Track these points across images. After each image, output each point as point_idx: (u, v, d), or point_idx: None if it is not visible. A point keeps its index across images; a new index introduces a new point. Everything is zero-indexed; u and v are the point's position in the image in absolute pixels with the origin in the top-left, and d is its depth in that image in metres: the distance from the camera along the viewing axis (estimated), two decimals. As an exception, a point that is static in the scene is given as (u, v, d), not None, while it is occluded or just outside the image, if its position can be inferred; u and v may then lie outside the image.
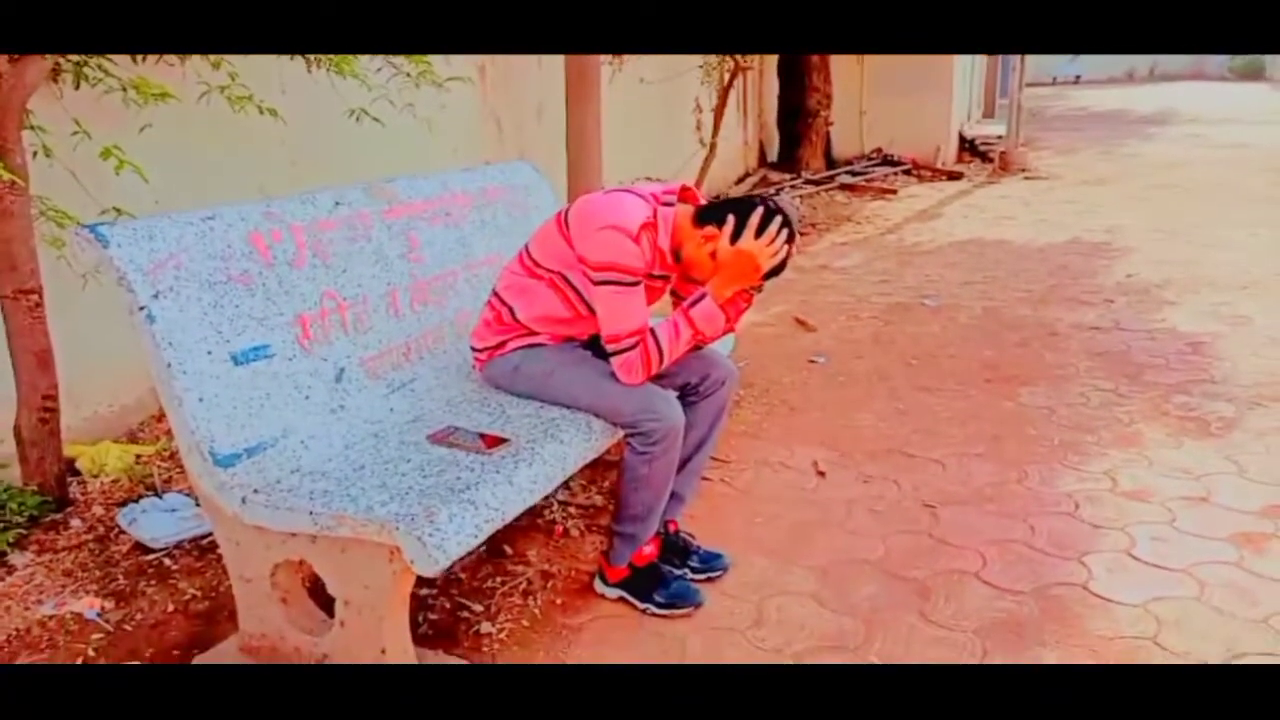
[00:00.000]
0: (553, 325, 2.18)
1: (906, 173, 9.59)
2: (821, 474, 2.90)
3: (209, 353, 1.71)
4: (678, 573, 2.27)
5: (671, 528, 2.35)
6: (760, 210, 2.00)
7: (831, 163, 9.86)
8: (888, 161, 9.81)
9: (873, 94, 10.05)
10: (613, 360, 2.03)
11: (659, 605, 2.15)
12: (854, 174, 9.34)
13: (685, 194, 2.14)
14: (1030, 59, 10.31)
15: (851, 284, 5.40)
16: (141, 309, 1.63)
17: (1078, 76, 26.00)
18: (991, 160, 10.08)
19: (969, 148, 10.95)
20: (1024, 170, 9.62)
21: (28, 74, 2.45)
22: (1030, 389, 3.55)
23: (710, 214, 2.05)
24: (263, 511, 1.63)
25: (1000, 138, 10.52)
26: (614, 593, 2.22)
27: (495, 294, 2.21)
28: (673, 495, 2.25)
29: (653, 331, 2.03)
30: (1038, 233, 6.58)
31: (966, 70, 11.74)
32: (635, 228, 1.97)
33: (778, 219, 2.00)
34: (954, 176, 9.54)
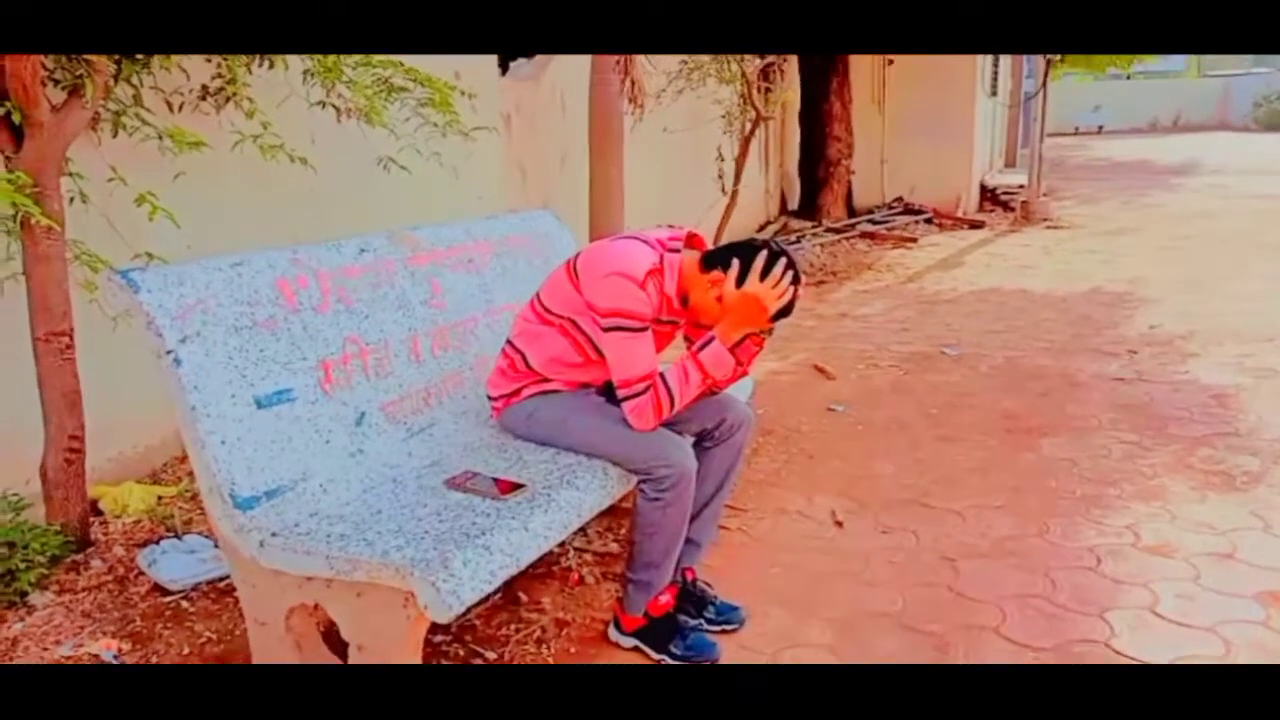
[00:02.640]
0: (565, 370, 2.20)
1: (928, 221, 9.62)
2: (839, 524, 2.88)
3: (233, 396, 1.74)
4: (693, 623, 2.25)
5: (689, 576, 2.34)
6: (764, 254, 2.03)
7: (853, 211, 9.92)
8: (909, 210, 9.85)
9: (894, 143, 10.13)
10: (624, 406, 2.04)
11: (675, 657, 2.14)
12: (875, 222, 9.38)
13: (692, 240, 2.17)
14: (1052, 109, 10.36)
15: (872, 332, 5.40)
16: (169, 353, 1.67)
17: (1100, 127, 26.05)
18: (1013, 209, 10.09)
19: (991, 197, 10.97)
20: (1046, 220, 9.62)
21: (69, 123, 2.53)
22: (1052, 440, 3.52)
23: (715, 259, 2.08)
24: (280, 555, 1.65)
25: (1022, 187, 10.54)
26: (629, 642, 2.20)
27: (509, 342, 2.24)
28: (689, 542, 2.24)
29: (663, 376, 2.04)
30: (1059, 282, 6.57)
31: (988, 119, 11.81)
32: (641, 274, 1.99)
33: (782, 261, 2.02)
34: (975, 225, 9.56)
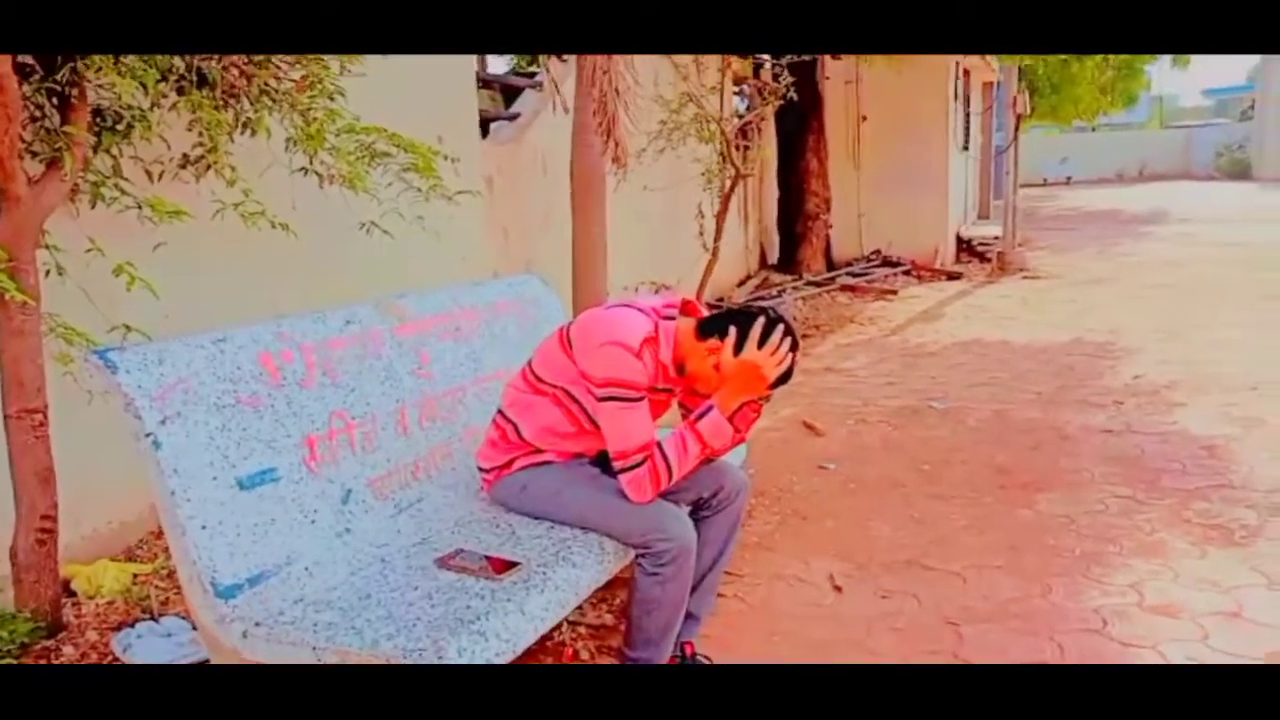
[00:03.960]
0: (558, 441, 2.15)
1: (906, 273, 9.70)
2: (838, 589, 2.81)
3: (214, 478, 1.68)
4: None
5: (687, 650, 2.27)
6: (762, 321, 2.00)
7: (832, 264, 10.00)
8: (888, 262, 9.94)
9: (870, 197, 10.27)
10: (621, 478, 1.99)
11: None
12: (855, 275, 9.45)
13: (686, 307, 2.15)
14: (1022, 161, 10.56)
15: (858, 386, 5.38)
16: (148, 435, 1.60)
17: (1069, 178, 26.62)
18: (989, 260, 10.21)
19: (967, 248, 11.12)
20: (1022, 270, 9.73)
21: (46, 195, 2.49)
22: (1046, 495, 3.48)
23: (712, 326, 2.05)
24: (264, 646, 1.57)
25: (997, 238, 10.69)
26: None
27: (500, 412, 2.19)
28: (688, 615, 2.17)
29: (660, 447, 2.00)
30: (1040, 333, 6.60)
31: (961, 172, 12.02)
32: (637, 343, 1.96)
33: (780, 328, 1.99)
34: (953, 277, 9.65)
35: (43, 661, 2.41)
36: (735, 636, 2.54)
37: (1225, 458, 3.79)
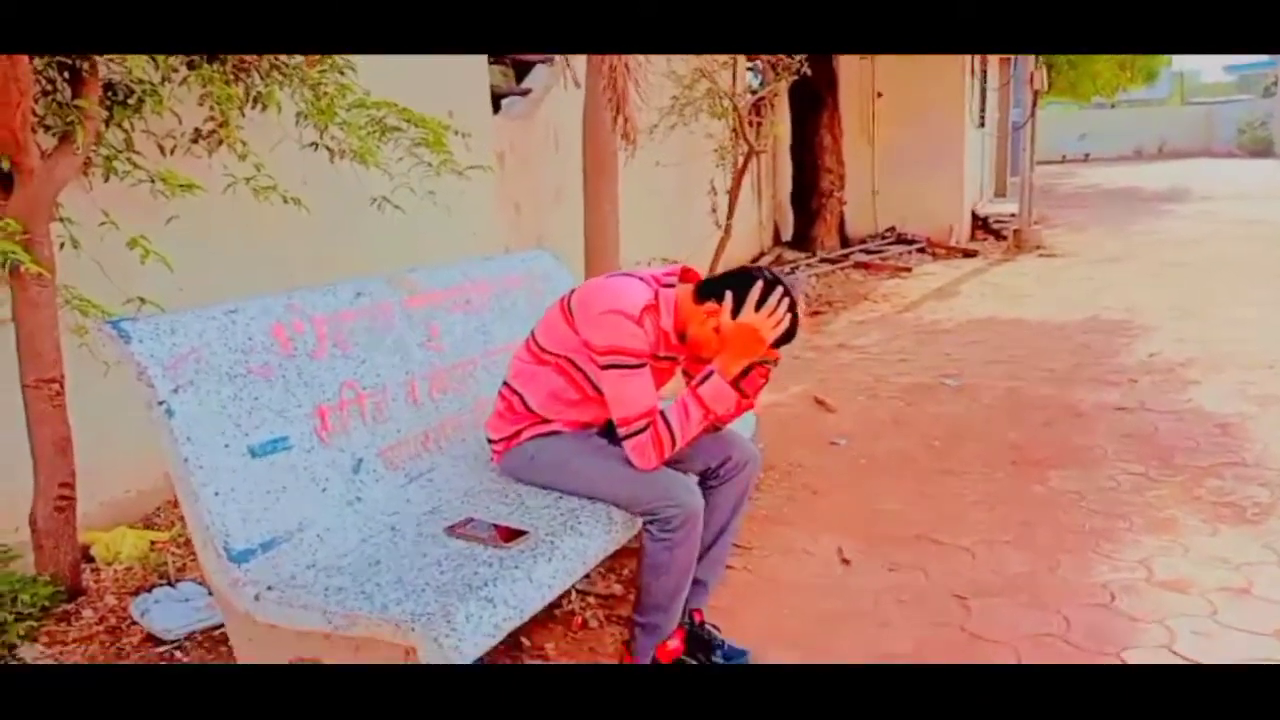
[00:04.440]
0: (563, 409, 2.16)
1: (921, 251, 9.64)
2: (847, 562, 2.83)
3: (226, 446, 1.70)
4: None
5: (696, 618, 2.28)
6: (760, 283, 2.01)
7: (846, 241, 9.95)
8: (902, 240, 9.88)
9: (885, 174, 10.18)
10: (625, 444, 2.01)
11: None
12: (869, 252, 9.40)
13: (686, 275, 2.16)
14: (1039, 138, 10.44)
15: (870, 363, 5.37)
16: (160, 404, 1.62)
17: (1087, 154, 26.31)
18: (1005, 238, 10.13)
19: (983, 226, 11.02)
20: (1038, 248, 9.65)
21: (59, 169, 2.51)
22: (1058, 472, 3.47)
23: (710, 290, 2.06)
24: (275, 609, 1.59)
25: (1013, 215, 10.59)
26: None
27: (506, 383, 2.20)
28: (696, 583, 2.19)
29: (663, 414, 2.01)
30: (1056, 310, 6.56)
31: (977, 149, 11.90)
32: (637, 311, 1.98)
33: (777, 290, 2.00)
34: (969, 254, 9.58)
35: (63, 625, 2.46)
36: (743, 607, 2.56)
37: (1239, 435, 3.77)
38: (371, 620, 1.51)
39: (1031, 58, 10.22)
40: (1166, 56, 18.45)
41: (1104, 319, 6.20)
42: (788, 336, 2.05)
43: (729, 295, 2.00)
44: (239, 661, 1.85)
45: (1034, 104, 10.22)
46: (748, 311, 1.98)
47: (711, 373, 2.02)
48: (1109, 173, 20.84)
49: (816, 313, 6.98)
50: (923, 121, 10.02)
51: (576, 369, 2.11)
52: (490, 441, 2.23)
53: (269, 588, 1.62)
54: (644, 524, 2.01)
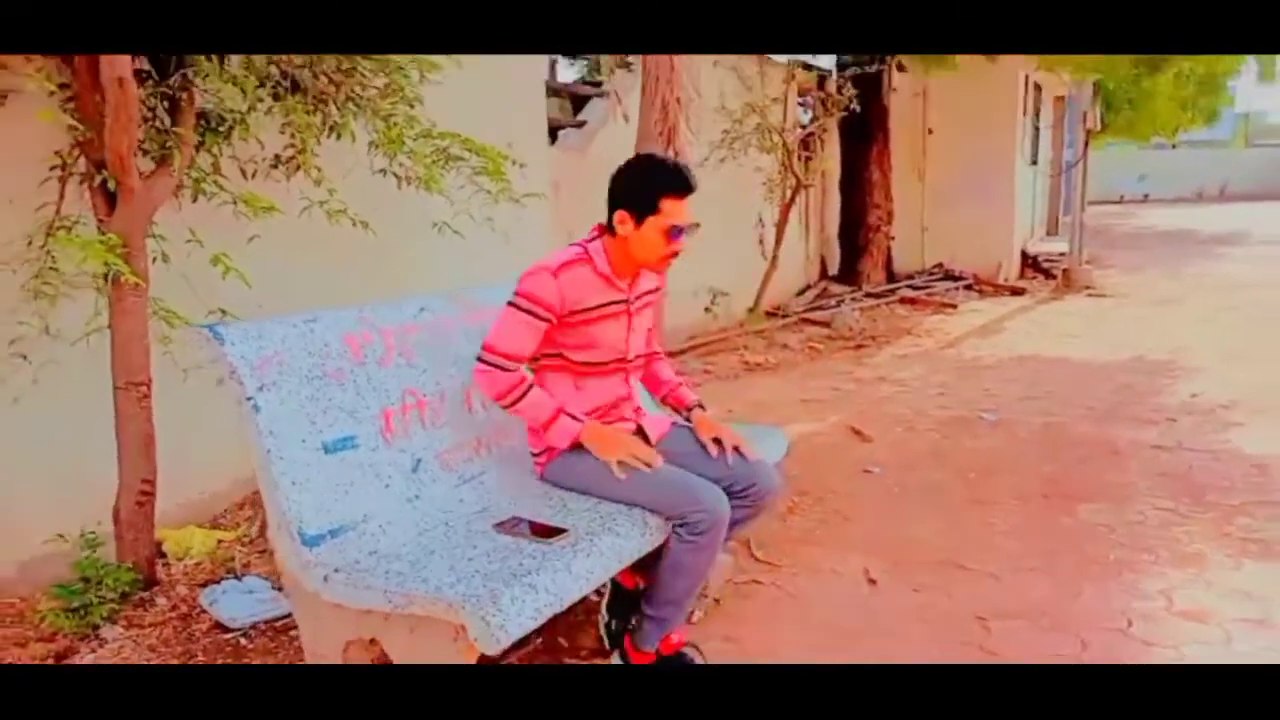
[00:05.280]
0: (580, 399, 2.33)
1: (968, 288, 9.67)
2: (873, 582, 2.93)
3: (303, 441, 1.89)
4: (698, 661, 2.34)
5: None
6: (623, 169, 2.29)
7: (892, 276, 10.02)
8: (949, 276, 9.91)
9: (934, 210, 10.25)
10: (478, 366, 2.20)
11: None
12: (915, 288, 9.46)
13: (600, 228, 2.35)
14: (1097, 178, 10.42)
15: (909, 396, 5.45)
16: (248, 400, 1.82)
17: (1146, 195, 25.93)
18: (1055, 277, 10.10)
19: (1032, 264, 11.00)
20: (1088, 288, 9.62)
21: (156, 190, 2.76)
22: (1089, 506, 3.54)
23: (609, 204, 2.28)
24: (342, 589, 1.77)
25: (1064, 255, 10.57)
26: None
27: None
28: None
29: (531, 385, 2.22)
30: (1100, 350, 6.57)
31: (1028, 187, 11.90)
32: (555, 265, 2.20)
33: (640, 163, 2.30)
34: (1016, 292, 9.59)
35: (140, 610, 2.67)
36: (770, 621, 2.68)
37: (1276, 476, 3.79)
38: (427, 600, 1.68)
39: (1085, 94, 10.25)
40: (1228, 96, 18.15)
41: (1148, 359, 6.20)
42: (679, 181, 2.24)
43: (618, 198, 2.25)
44: (304, 642, 2.03)
45: (1086, 142, 10.23)
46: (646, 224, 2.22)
47: (572, 421, 2.23)
48: (1167, 214, 20.53)
49: (859, 346, 7.07)
50: (973, 158, 10.08)
51: (559, 356, 2.31)
52: (533, 454, 2.39)
53: (336, 570, 1.80)
54: (673, 527, 2.15)
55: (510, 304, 2.20)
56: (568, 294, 2.21)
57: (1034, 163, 12.31)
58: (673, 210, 2.22)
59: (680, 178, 2.24)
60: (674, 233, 2.23)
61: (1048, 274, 10.51)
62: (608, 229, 2.30)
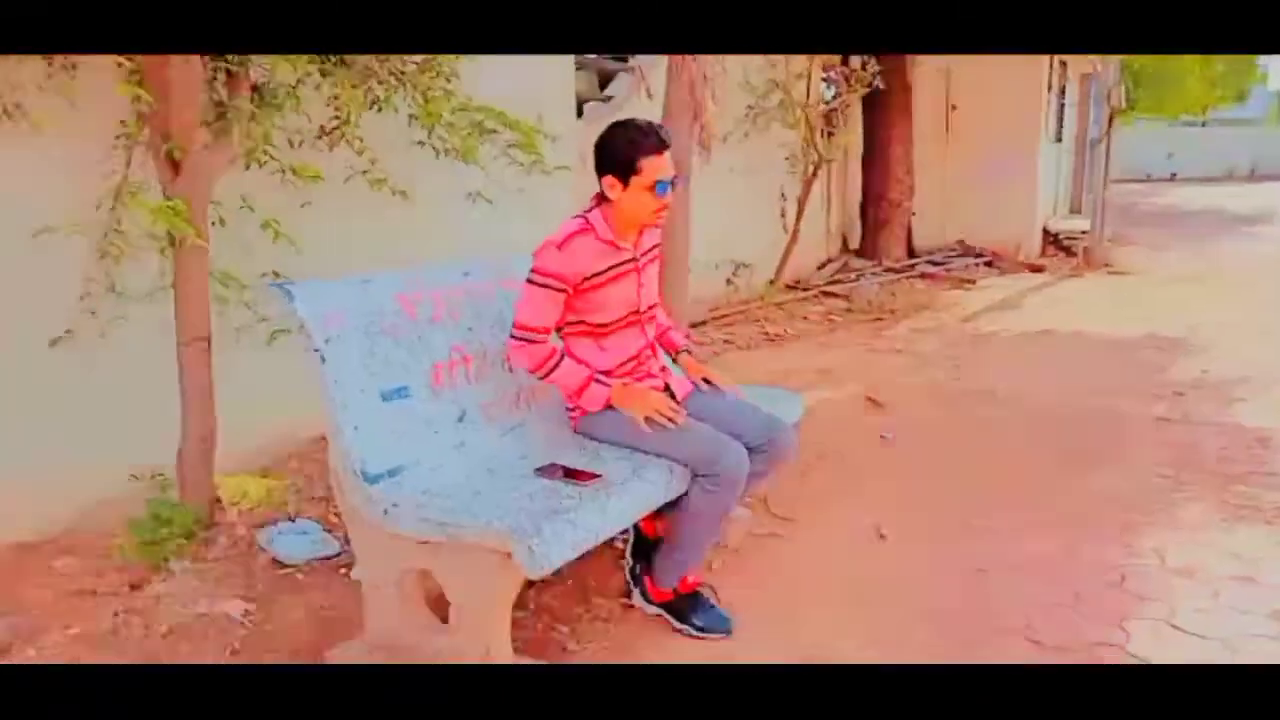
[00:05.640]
0: (605, 357, 2.51)
1: (988, 264, 9.76)
2: (883, 537, 3.11)
3: (363, 390, 2.08)
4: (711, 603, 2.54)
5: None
6: (605, 136, 2.44)
7: (913, 252, 10.11)
8: (969, 253, 10.00)
9: (956, 186, 10.31)
10: (511, 343, 2.39)
11: (695, 628, 2.45)
12: (935, 263, 9.55)
13: (597, 197, 2.52)
14: (1124, 155, 10.43)
15: (925, 367, 5.60)
16: (316, 351, 2.02)
17: (1174, 174, 25.71)
18: (1076, 254, 10.17)
19: (1054, 241, 11.06)
20: (1108, 265, 9.69)
21: (217, 158, 2.95)
22: (1093, 473, 3.69)
23: (596, 169, 2.44)
24: (401, 521, 1.97)
25: (1085, 232, 10.61)
26: (653, 610, 2.52)
27: None
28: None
29: (562, 354, 2.40)
30: (1115, 326, 6.68)
31: (1052, 164, 11.91)
32: (561, 238, 2.37)
33: (617, 130, 2.43)
34: (1036, 269, 9.67)
35: (203, 547, 2.90)
36: (784, 570, 2.87)
37: (1276, 449, 3.92)
38: (477, 529, 1.87)
39: (1111, 72, 10.24)
40: (1259, 73, 17.96)
41: (1162, 336, 6.31)
42: (652, 139, 2.38)
43: (602, 166, 2.42)
44: (360, 573, 2.23)
45: (1110, 120, 10.24)
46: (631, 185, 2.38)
47: (605, 389, 2.42)
48: (1194, 193, 20.40)
49: (878, 319, 7.21)
50: (997, 135, 10.13)
51: (581, 322, 2.48)
52: (568, 409, 2.58)
53: (395, 505, 2.00)
54: (695, 477, 2.34)
55: (529, 281, 2.38)
56: (578, 263, 2.38)
57: (1058, 140, 12.31)
58: (652, 167, 2.38)
59: (653, 135, 2.40)
60: (658, 187, 2.40)
61: (1069, 251, 10.57)
62: (603, 197, 2.47)
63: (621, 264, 2.48)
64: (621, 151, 2.39)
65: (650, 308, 2.63)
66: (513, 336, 2.39)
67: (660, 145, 2.40)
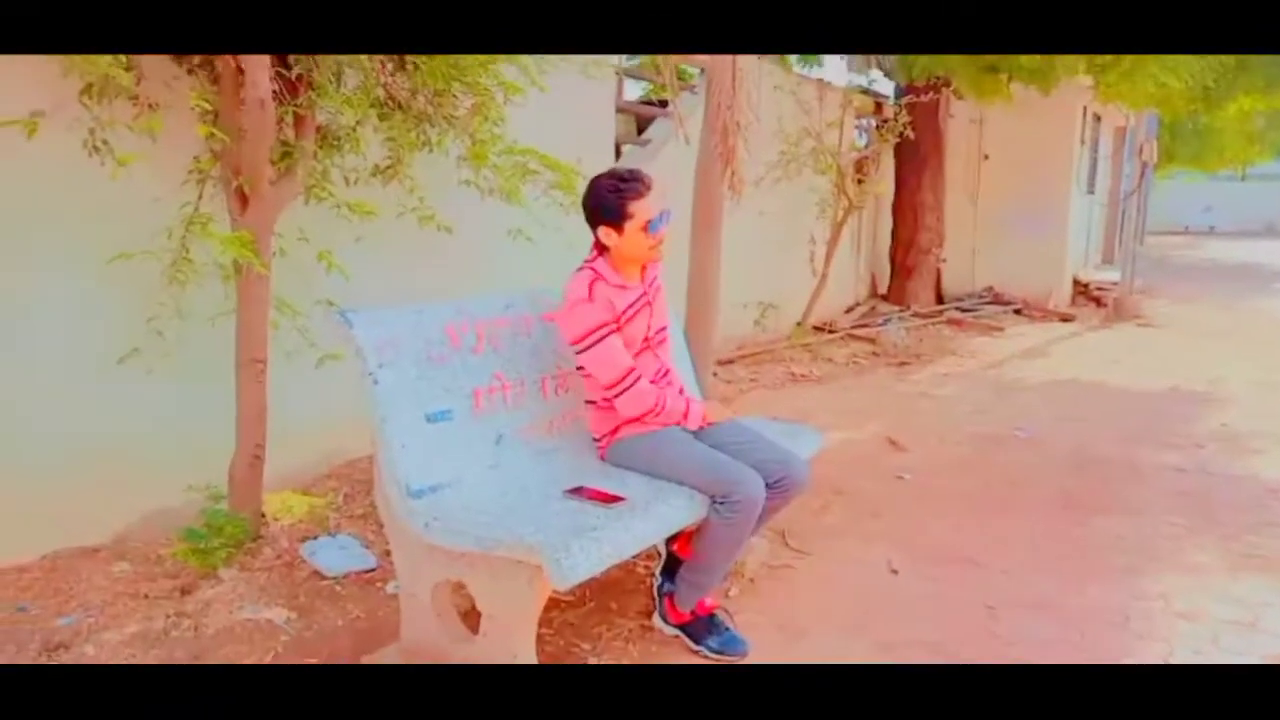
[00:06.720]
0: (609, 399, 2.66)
1: (1017, 312, 9.84)
2: (895, 572, 3.23)
3: (410, 412, 2.27)
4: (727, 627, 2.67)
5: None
6: (591, 190, 2.59)
7: (941, 298, 10.22)
8: (998, 300, 10.08)
9: (986, 234, 10.43)
10: (617, 402, 2.56)
11: (711, 650, 2.58)
12: (963, 310, 9.65)
13: (596, 244, 2.68)
14: (1161, 208, 10.49)
15: (947, 411, 5.71)
16: (370, 374, 2.21)
17: (1212, 227, 25.56)
18: (1105, 305, 10.21)
19: (1084, 291, 11.11)
20: (1137, 317, 9.72)
21: (282, 193, 3.18)
22: (1105, 518, 3.79)
23: (589, 223, 2.61)
24: (440, 533, 2.14)
25: (1116, 284, 10.66)
26: (672, 631, 2.66)
27: (588, 398, 2.75)
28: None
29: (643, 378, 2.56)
30: (1139, 378, 6.74)
31: (1084, 215, 11.99)
32: (586, 292, 2.53)
33: (600, 183, 2.57)
34: (1065, 319, 9.73)
35: (249, 557, 3.08)
36: (797, 599, 3.00)
37: (1289, 501, 3.99)
38: (510, 544, 2.04)
39: (1144, 127, 10.35)
40: (1297, 132, 17.91)
41: (1184, 389, 6.36)
42: (634, 185, 2.54)
43: (595, 218, 2.58)
44: (400, 582, 2.40)
45: (1142, 173, 10.33)
46: (624, 228, 2.54)
47: (695, 408, 2.65)
48: (1231, 247, 20.28)
49: (903, 363, 7.32)
50: (1028, 185, 10.25)
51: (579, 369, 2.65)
52: (594, 439, 2.75)
53: (435, 518, 2.17)
54: (714, 503, 2.49)
55: (582, 351, 2.55)
56: (611, 303, 2.56)
57: (1091, 191, 12.40)
58: (641, 209, 2.56)
59: (635, 181, 2.58)
60: (651, 226, 2.58)
61: (1099, 302, 10.61)
62: (602, 246, 2.65)
63: (637, 300, 2.66)
64: (611, 201, 2.57)
65: (659, 331, 2.78)
66: (607, 399, 2.58)
67: (644, 188, 2.59)
